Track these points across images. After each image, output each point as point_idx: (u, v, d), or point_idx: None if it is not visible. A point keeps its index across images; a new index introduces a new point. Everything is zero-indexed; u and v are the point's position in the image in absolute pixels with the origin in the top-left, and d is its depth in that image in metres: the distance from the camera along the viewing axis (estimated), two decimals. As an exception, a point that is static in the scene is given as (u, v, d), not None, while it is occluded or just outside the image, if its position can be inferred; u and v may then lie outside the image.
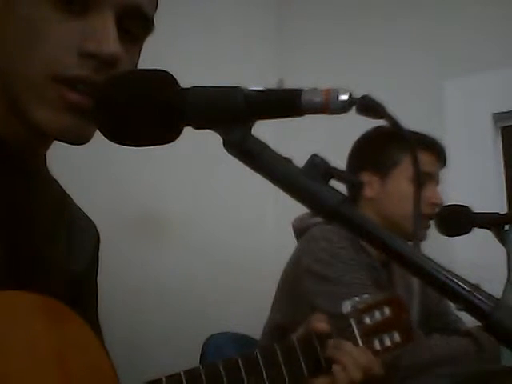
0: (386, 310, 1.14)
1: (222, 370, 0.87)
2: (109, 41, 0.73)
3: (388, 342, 1.12)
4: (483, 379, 1.60)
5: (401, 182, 1.75)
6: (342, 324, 1.08)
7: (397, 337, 1.13)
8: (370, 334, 1.10)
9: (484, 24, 2.37)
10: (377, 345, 1.10)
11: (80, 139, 0.77)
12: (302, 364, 0.99)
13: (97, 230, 1.00)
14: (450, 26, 2.44)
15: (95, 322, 0.98)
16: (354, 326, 1.09)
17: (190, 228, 2.21)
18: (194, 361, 1.65)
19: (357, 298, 1.13)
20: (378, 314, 1.13)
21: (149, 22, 0.80)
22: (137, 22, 0.78)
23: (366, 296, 1.15)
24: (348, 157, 1.85)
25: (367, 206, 1.77)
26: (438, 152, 1.80)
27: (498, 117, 2.35)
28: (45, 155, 0.88)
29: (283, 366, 0.95)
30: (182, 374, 0.83)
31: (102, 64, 0.74)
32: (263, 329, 1.77)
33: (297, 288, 1.66)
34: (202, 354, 1.69)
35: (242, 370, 0.90)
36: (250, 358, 0.92)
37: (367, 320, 1.11)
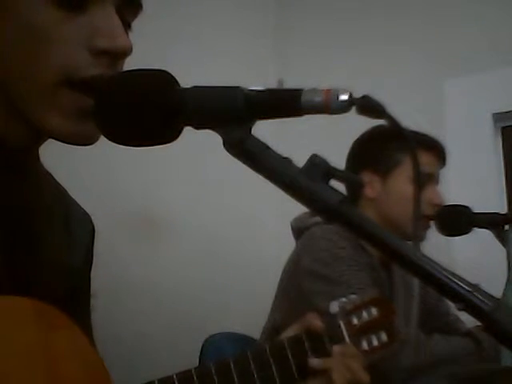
0: (373, 310, 1.15)
1: (213, 371, 0.88)
2: (119, 35, 0.72)
3: (375, 342, 1.13)
4: (483, 379, 1.60)
5: (402, 182, 1.75)
6: (332, 324, 1.08)
7: (384, 337, 1.14)
8: (357, 334, 1.11)
9: (484, 24, 2.37)
10: (365, 345, 1.11)
11: (91, 141, 0.76)
12: (292, 365, 0.99)
13: (92, 223, 0.99)
14: (450, 26, 2.44)
15: (86, 320, 0.97)
16: (343, 326, 1.09)
17: (190, 228, 2.21)
18: (193, 361, 1.65)
19: (344, 299, 1.14)
20: (365, 315, 1.14)
21: (141, 9, 0.79)
22: (132, 10, 0.78)
23: (353, 296, 1.16)
24: (348, 156, 1.84)
25: (368, 206, 1.76)
26: (438, 152, 1.80)
27: (497, 117, 2.35)
28: (38, 150, 0.88)
29: (274, 368, 0.96)
30: (174, 376, 0.83)
31: (115, 59, 0.73)
32: (263, 329, 1.77)
33: (296, 288, 1.66)
34: (201, 354, 1.69)
35: (234, 371, 0.90)
36: (241, 359, 0.92)
37: (355, 320, 1.12)
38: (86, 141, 0.76)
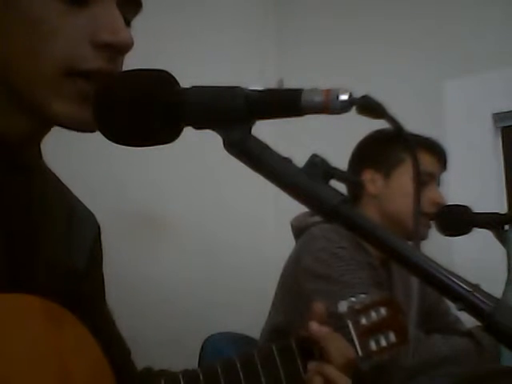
0: (382, 311, 1.14)
1: (219, 370, 0.87)
2: (121, 29, 0.74)
3: (384, 343, 1.12)
4: (483, 379, 1.59)
5: (404, 180, 1.75)
6: (339, 324, 1.08)
7: (392, 337, 1.13)
8: (366, 334, 1.10)
9: (484, 24, 2.37)
10: (373, 345, 1.10)
11: (95, 127, 0.77)
12: (299, 365, 0.99)
13: (97, 223, 0.99)
14: (450, 26, 2.44)
15: (105, 316, 0.98)
16: (351, 326, 1.09)
17: (190, 228, 2.21)
18: (193, 361, 1.65)
19: (353, 298, 1.13)
20: (374, 315, 1.13)
21: (141, 7, 0.81)
22: (132, 8, 0.79)
23: (362, 296, 1.15)
24: (351, 156, 1.85)
25: (369, 203, 1.77)
26: (439, 155, 1.81)
27: (497, 117, 2.35)
28: (39, 147, 0.88)
29: (280, 367, 0.95)
30: (180, 375, 0.83)
31: (117, 53, 0.74)
32: (262, 329, 1.77)
33: (296, 287, 1.66)
34: (201, 355, 1.69)
35: (240, 370, 0.90)
36: (247, 358, 0.92)
37: (363, 320, 1.11)
38: (90, 126, 0.76)
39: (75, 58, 0.73)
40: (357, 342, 1.08)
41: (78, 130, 0.77)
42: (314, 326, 1.02)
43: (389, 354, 1.13)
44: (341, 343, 1.04)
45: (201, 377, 0.85)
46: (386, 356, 1.12)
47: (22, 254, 0.79)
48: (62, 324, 0.73)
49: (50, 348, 0.71)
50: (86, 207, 0.98)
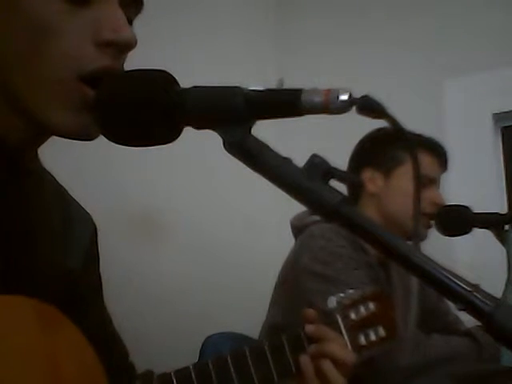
0: (371, 305, 1.16)
1: (211, 367, 0.88)
2: (124, 27, 0.73)
3: (373, 337, 1.13)
4: (483, 379, 1.60)
5: (404, 180, 1.75)
6: (329, 319, 1.09)
7: (381, 331, 1.14)
8: (355, 329, 1.11)
9: (484, 24, 2.37)
10: (362, 340, 1.12)
11: (94, 135, 0.75)
12: (291, 361, 0.99)
13: (94, 224, 0.98)
14: (450, 26, 2.44)
15: (103, 317, 0.98)
16: (340, 321, 1.10)
17: (190, 228, 2.21)
18: (192, 361, 1.65)
19: (342, 294, 1.15)
20: (362, 309, 1.14)
21: (142, 6, 0.80)
22: (134, 7, 0.79)
23: (351, 291, 1.16)
24: (351, 155, 1.85)
25: (369, 202, 1.77)
26: (440, 155, 1.81)
27: (498, 117, 2.35)
28: (36, 149, 0.87)
29: (272, 363, 0.96)
30: (172, 373, 0.83)
31: (120, 51, 0.74)
32: (261, 328, 1.77)
33: (295, 287, 1.66)
34: (200, 354, 1.69)
35: (231, 367, 0.90)
36: (238, 355, 0.93)
37: (352, 315, 1.12)
38: (89, 135, 0.75)
39: (80, 58, 0.72)
40: (346, 337, 1.09)
41: (76, 139, 0.76)
42: (311, 327, 1.03)
43: (378, 349, 1.13)
44: (341, 342, 1.05)
45: (192, 374, 0.85)
46: (375, 350, 1.13)
47: (18, 255, 0.79)
48: (55, 326, 0.72)
49: (42, 350, 0.70)
50: (82, 208, 0.97)
